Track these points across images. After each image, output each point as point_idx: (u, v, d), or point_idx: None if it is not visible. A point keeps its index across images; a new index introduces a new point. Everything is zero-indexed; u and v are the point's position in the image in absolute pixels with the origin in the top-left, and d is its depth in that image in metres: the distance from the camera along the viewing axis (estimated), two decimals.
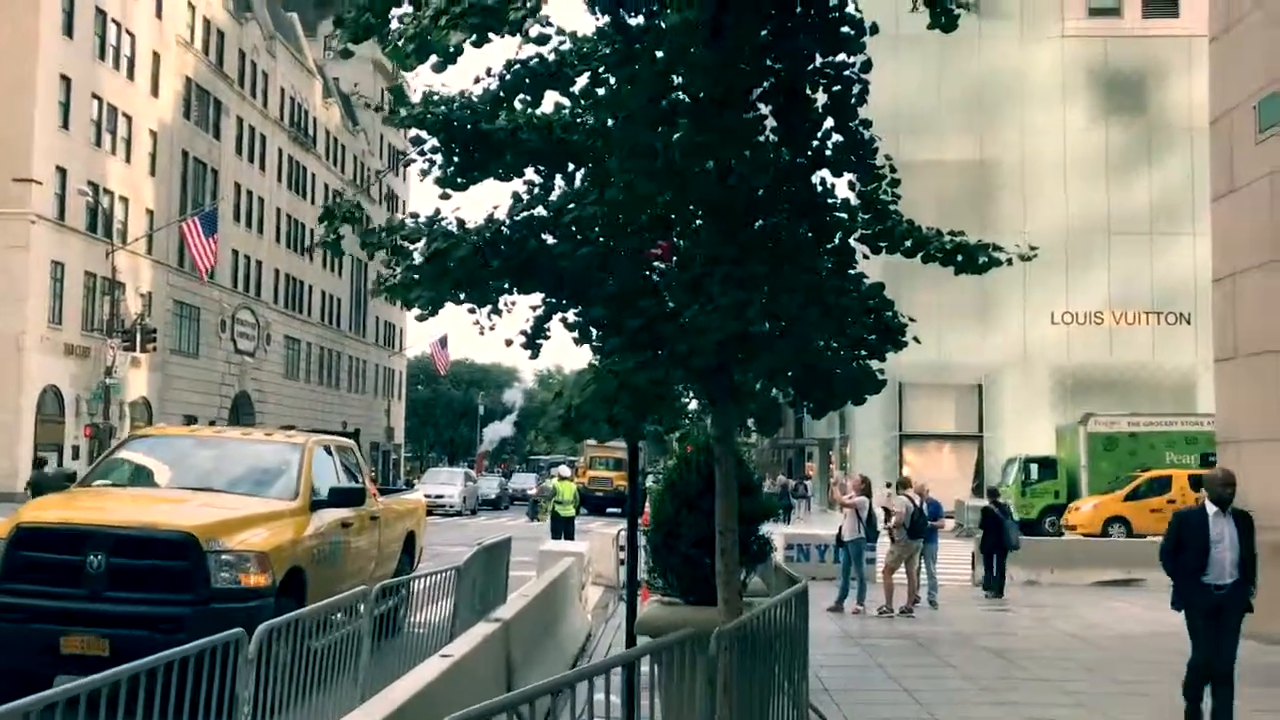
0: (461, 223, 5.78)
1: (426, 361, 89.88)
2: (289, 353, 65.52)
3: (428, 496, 45.03)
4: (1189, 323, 46.05)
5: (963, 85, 47.73)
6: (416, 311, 6.13)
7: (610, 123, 5.48)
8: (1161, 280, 46.75)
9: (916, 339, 6.37)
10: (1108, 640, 13.09)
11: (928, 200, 48.25)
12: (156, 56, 49.15)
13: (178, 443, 11.51)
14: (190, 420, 46.50)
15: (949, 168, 47.66)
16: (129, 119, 46.81)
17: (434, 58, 4.49)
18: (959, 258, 6.18)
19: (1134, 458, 35.08)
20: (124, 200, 46.51)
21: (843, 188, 6.22)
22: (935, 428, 48.57)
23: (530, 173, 6.11)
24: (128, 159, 46.86)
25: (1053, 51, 47.73)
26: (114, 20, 45.34)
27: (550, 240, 5.70)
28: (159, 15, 49.37)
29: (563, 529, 24.51)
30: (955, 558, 21.93)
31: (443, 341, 77.29)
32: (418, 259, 5.59)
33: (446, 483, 47.01)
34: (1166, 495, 31.58)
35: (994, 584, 17.72)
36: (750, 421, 6.89)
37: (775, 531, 25.06)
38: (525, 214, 5.83)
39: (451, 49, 4.40)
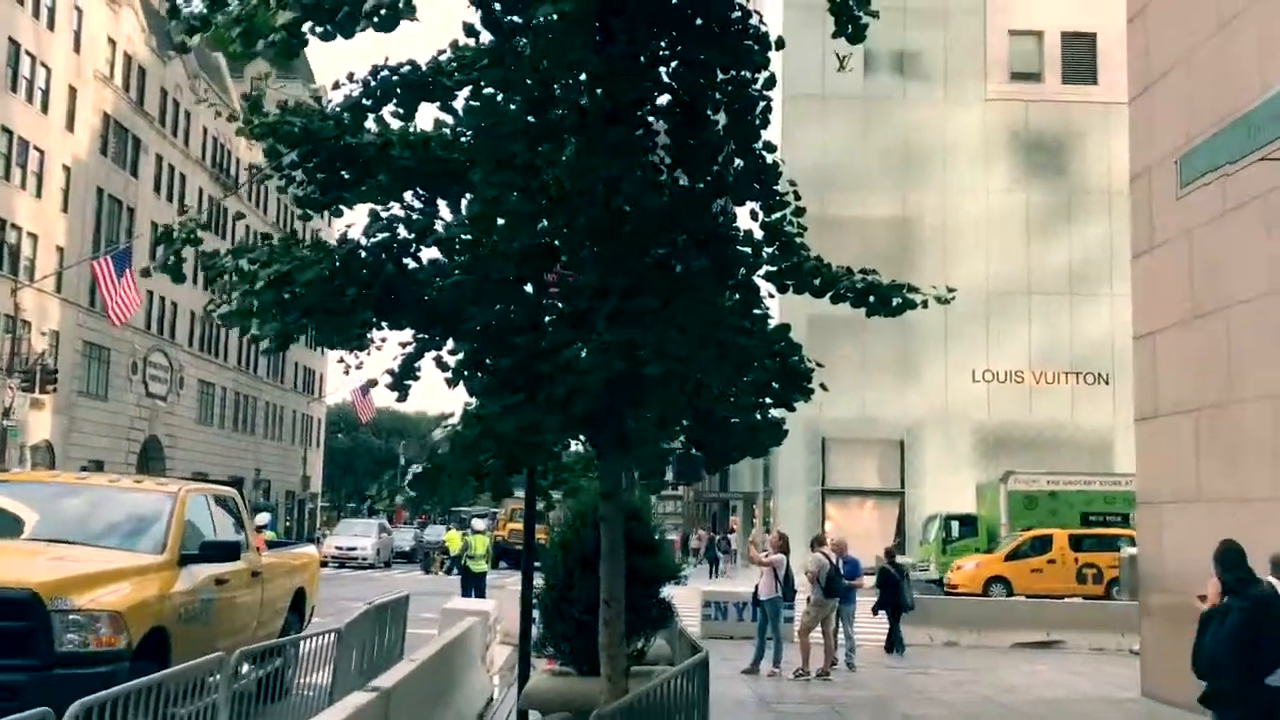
0: (320, 244, 5.16)
1: (348, 409, 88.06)
2: (202, 397, 63.67)
3: (339, 549, 44.13)
4: (1107, 383, 46.65)
5: (888, 144, 48.28)
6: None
7: (479, 131, 4.91)
8: (1080, 341, 47.40)
9: (824, 386, 5.90)
10: (1026, 705, 12.67)
11: (852, 256, 48.57)
12: (73, 91, 47.82)
13: (39, 489, 10.61)
14: (98, 465, 44.70)
15: (874, 224, 48.03)
16: (41, 153, 45.36)
17: (264, 47, 3.90)
18: (871, 298, 5.71)
19: (1054, 516, 35.23)
20: (32, 236, 44.90)
21: (745, 220, 5.72)
22: (858, 483, 48.43)
23: (410, 196, 5.52)
24: (38, 194, 45.34)
25: (975, 114, 48.53)
26: (28, 52, 44.04)
27: (413, 265, 5.10)
28: (77, 50, 48.13)
29: (473, 585, 23.65)
30: (876, 617, 21.47)
31: (365, 389, 75.59)
32: (260, 285, 4.94)
33: (360, 534, 45.57)
34: (1047, 555, 31.77)
35: (897, 644, 17.53)
36: (636, 475, 6.30)
37: (695, 588, 24.51)
38: (384, 235, 5.22)
39: (283, 35, 3.82)
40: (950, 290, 6.43)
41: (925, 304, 6.01)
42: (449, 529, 43.34)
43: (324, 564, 43.25)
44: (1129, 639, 18.43)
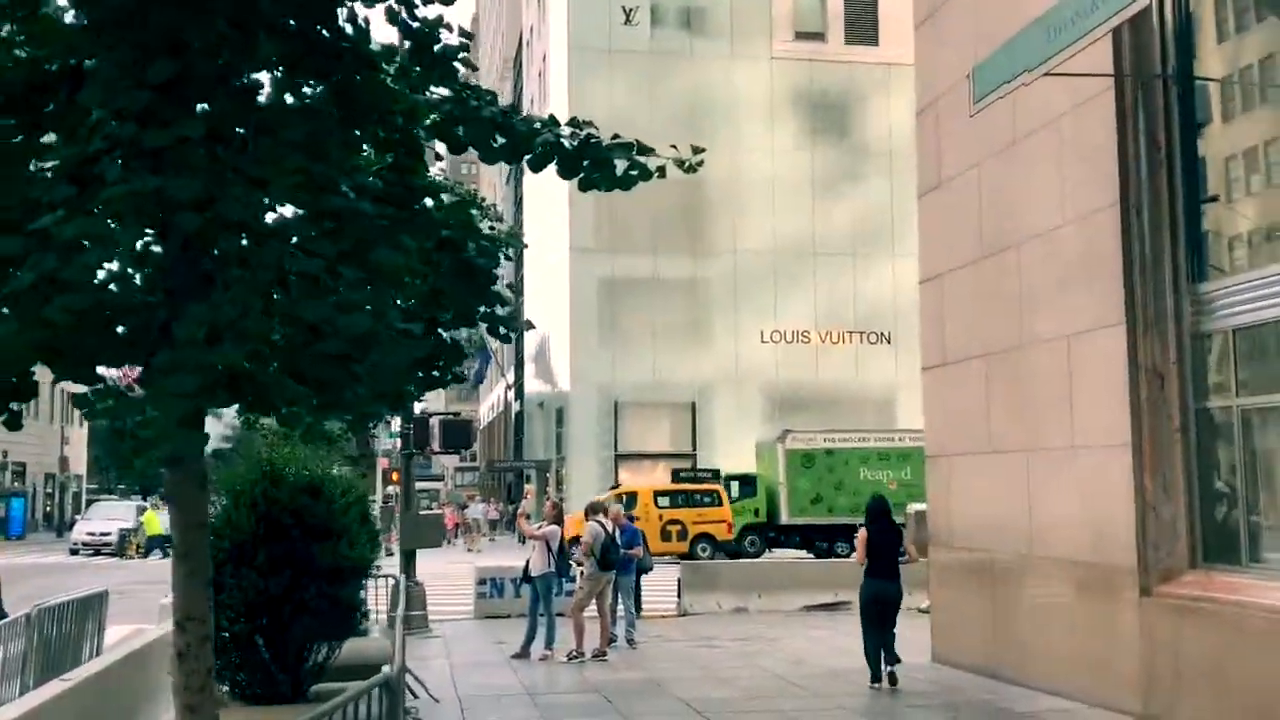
0: None
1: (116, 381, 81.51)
2: None
3: (89, 535, 40.02)
4: (889, 342, 47.43)
5: (675, 101, 47.41)
6: None
7: None
8: (864, 300, 47.99)
9: (530, 324, 4.36)
10: (814, 680, 11.68)
11: (645, 217, 47.79)
12: None
13: None
14: None
15: (662, 184, 46.68)
16: None
17: None
18: (585, 162, 4.19)
19: (831, 474, 35.37)
20: None
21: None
22: (650, 447, 47.71)
23: None
24: None
25: (762, 72, 48.24)
26: None
27: None
28: None
29: None
30: (668, 585, 20.44)
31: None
32: None
33: (114, 518, 41.41)
34: (631, 511, 32.10)
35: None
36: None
37: (466, 562, 22.91)
38: None
39: None
40: (697, 151, 4.99)
41: (663, 171, 4.54)
42: (148, 509, 39.56)
43: (73, 551, 39.59)
44: (917, 597, 17.97)
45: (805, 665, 12.71)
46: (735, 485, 37.24)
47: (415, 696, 10.70)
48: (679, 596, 18.75)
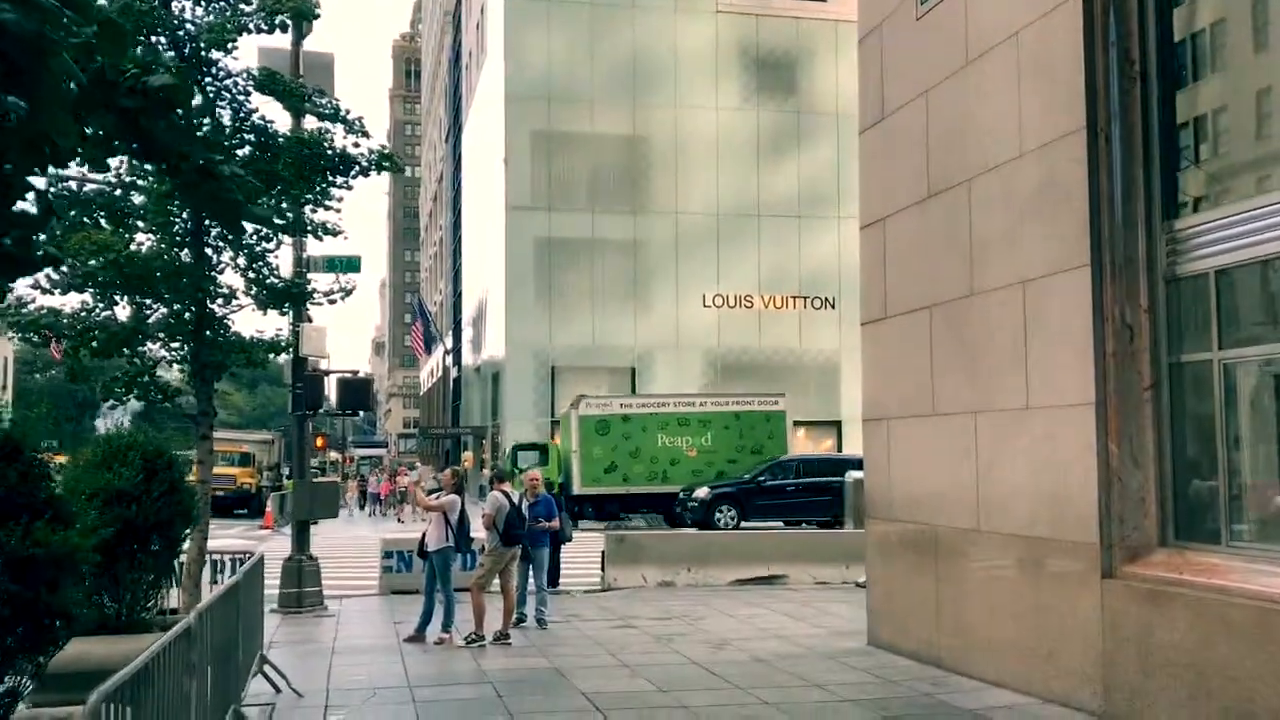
0: None
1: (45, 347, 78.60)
2: None
3: None
4: (833, 307, 46.39)
5: (616, 55, 45.79)
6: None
7: None
8: (809, 265, 46.85)
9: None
10: (736, 668, 10.41)
11: (584, 173, 46.25)
12: None
13: None
14: None
15: (603, 141, 45.65)
16: None
17: None
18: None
19: (628, 441, 34.10)
20: None
21: None
22: None
23: None
24: None
25: (706, 27, 46.69)
26: None
27: None
28: None
29: None
30: (594, 557, 19.23)
31: None
32: None
33: None
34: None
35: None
36: None
37: (375, 536, 21.49)
38: None
39: None
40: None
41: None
42: None
43: None
44: (853, 571, 16.90)
45: (727, 650, 11.46)
46: (523, 454, 35.75)
47: (277, 690, 9.33)
48: (602, 570, 17.48)
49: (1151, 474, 8.12)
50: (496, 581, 12.53)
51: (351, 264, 14.97)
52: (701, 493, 30.83)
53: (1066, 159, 8.59)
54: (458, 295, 67.94)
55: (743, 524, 29.53)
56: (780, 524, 29.94)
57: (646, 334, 45.54)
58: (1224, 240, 7.75)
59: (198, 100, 10.09)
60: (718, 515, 30.28)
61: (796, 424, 38.16)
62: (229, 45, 10.57)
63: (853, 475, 27.53)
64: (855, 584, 16.36)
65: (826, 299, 46.80)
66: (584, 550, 20.29)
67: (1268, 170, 7.92)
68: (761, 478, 31.06)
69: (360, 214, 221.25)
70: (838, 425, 45.46)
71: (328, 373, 16.18)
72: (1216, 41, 8.50)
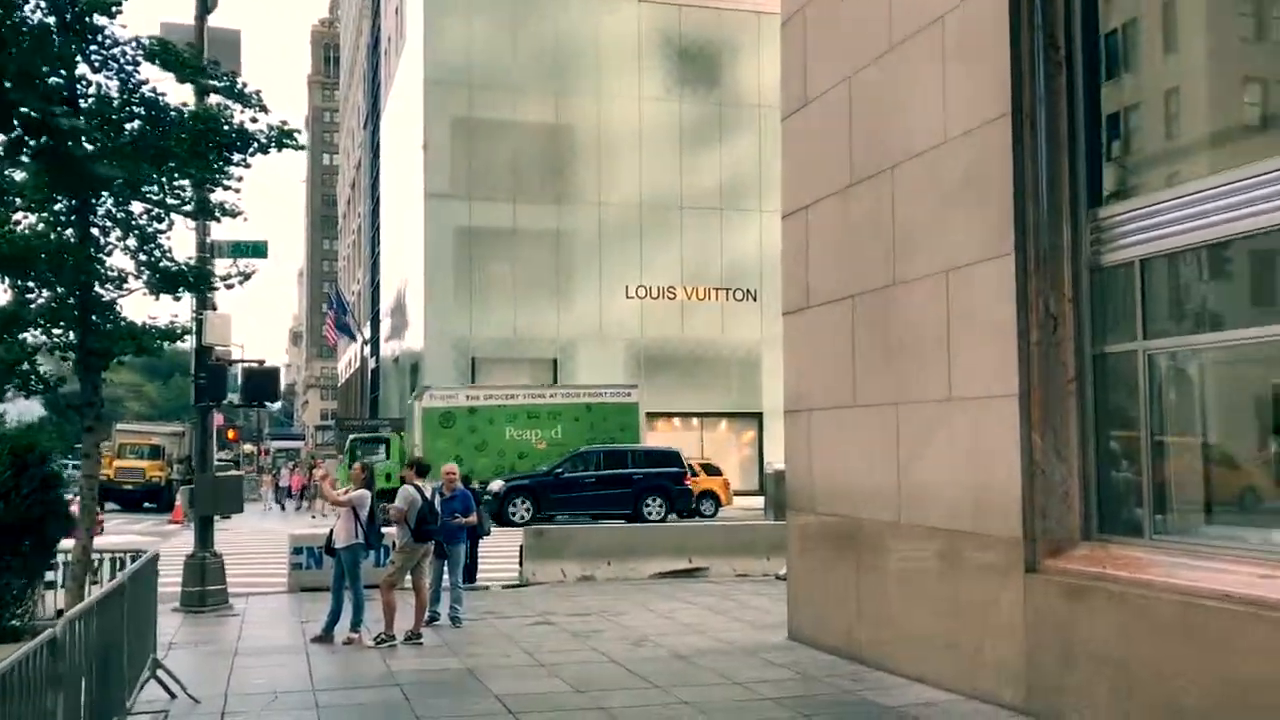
0: None
1: None
2: None
3: None
4: (755, 299, 46.44)
5: (539, 43, 45.26)
6: None
7: None
8: (731, 257, 46.85)
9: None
10: (654, 666, 10.14)
11: (501, 162, 45.58)
12: None
13: None
14: None
15: (525, 130, 45.11)
16: None
17: None
18: None
19: (474, 433, 33.72)
20: None
21: None
22: None
23: None
24: None
25: (629, 16, 46.38)
26: None
27: None
28: None
29: None
30: (512, 551, 18.87)
31: None
32: None
33: None
34: None
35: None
36: None
37: (286, 531, 20.86)
38: None
39: None
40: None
41: None
42: None
43: None
44: (775, 563, 16.77)
45: (647, 646, 11.18)
46: (363, 447, 34.99)
47: (171, 696, 8.83)
48: (520, 564, 17.11)
49: (1075, 466, 8.01)
50: (410, 579, 12.10)
51: (258, 249, 14.36)
52: (495, 486, 30.32)
53: (991, 146, 8.43)
54: (376, 285, 66.80)
55: (538, 518, 28.91)
56: (588, 518, 29.52)
57: (569, 325, 45.18)
58: (1147, 230, 7.64)
59: (84, 71, 9.48)
60: (511, 509, 29.71)
61: (650, 416, 37.87)
62: (113, 10, 9.91)
63: (775, 466, 27.53)
64: (776, 576, 16.22)
65: (749, 291, 46.86)
66: (503, 545, 19.92)
67: (1185, 162, 7.84)
68: (560, 470, 30.30)
69: (278, 201, 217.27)
70: (759, 417, 45.57)
71: (232, 363, 15.55)
72: (1137, 31, 8.40)
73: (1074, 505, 8.00)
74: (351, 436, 37.61)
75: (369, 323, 68.91)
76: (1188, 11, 8.10)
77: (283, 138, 10.84)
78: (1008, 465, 8.13)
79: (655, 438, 45.77)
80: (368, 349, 68.88)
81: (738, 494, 38.19)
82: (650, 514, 30.41)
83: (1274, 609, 6.09)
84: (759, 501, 34.99)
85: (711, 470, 35.05)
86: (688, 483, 31.80)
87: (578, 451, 31.85)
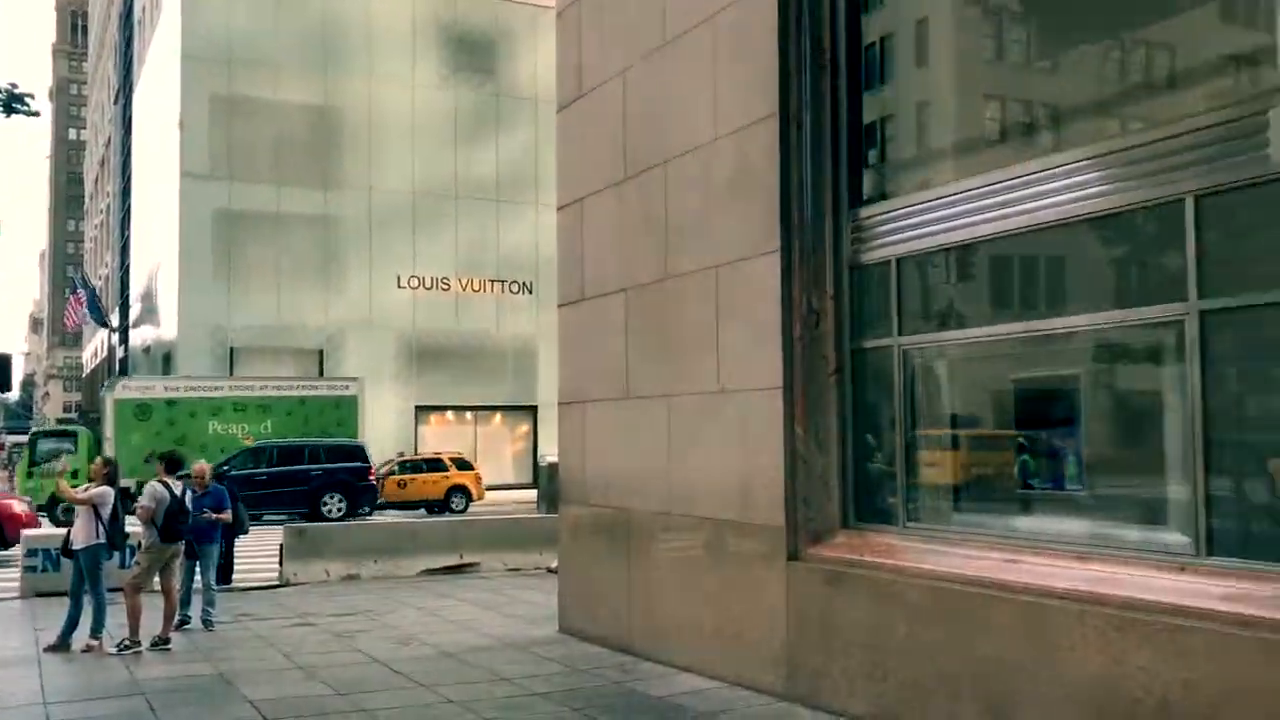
0: None
1: None
2: None
3: None
4: (531, 292, 46.32)
5: (305, 21, 43.58)
6: None
7: None
8: (507, 249, 46.53)
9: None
10: (420, 665, 9.89)
11: (263, 142, 43.62)
12: None
13: None
14: None
15: (290, 110, 43.32)
16: None
17: None
18: None
19: (173, 427, 32.09)
20: None
21: None
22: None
23: None
24: None
25: None
26: None
27: None
28: None
29: None
30: (269, 549, 18.06)
31: None
32: None
33: None
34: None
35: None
36: None
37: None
38: None
39: None
40: None
41: None
42: None
43: None
44: (548, 556, 16.72)
45: (413, 645, 10.90)
46: (46, 442, 32.04)
47: None
48: (280, 565, 16.40)
49: (835, 457, 8.29)
50: (158, 581, 11.36)
51: None
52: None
53: (760, 145, 8.62)
54: (126, 269, 62.77)
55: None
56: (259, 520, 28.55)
57: (338, 314, 43.71)
58: (902, 231, 7.99)
59: None
60: None
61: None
62: None
63: (548, 459, 27.52)
64: (548, 569, 16.18)
65: (524, 284, 46.67)
66: (268, 543, 19.08)
67: (935, 168, 8.25)
68: (225, 467, 28.21)
69: (18, 177, 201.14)
70: (534, 411, 45.49)
71: None
72: (894, 45, 8.77)
73: (834, 495, 8.28)
74: (33, 430, 34.54)
75: (118, 309, 64.73)
76: (937, 31, 8.54)
77: (12, 101, 9.91)
78: (772, 456, 8.33)
79: (428, 432, 45.01)
80: (115, 337, 64.69)
81: (512, 488, 37.97)
82: (330, 512, 29.26)
83: (1015, 592, 6.46)
84: (533, 495, 34.94)
85: (463, 464, 34.40)
86: (372, 478, 30.73)
87: (250, 447, 30.41)
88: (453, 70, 46.22)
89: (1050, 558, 6.61)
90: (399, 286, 45.18)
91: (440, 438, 43.98)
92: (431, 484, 32.68)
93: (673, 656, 9.40)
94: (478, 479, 34.12)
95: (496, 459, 45.04)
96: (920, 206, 7.87)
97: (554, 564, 14.08)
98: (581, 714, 8.00)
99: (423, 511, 30.51)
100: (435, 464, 33.62)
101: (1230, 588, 5.52)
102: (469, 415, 46.04)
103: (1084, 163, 6.62)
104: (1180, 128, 6.08)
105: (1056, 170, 6.79)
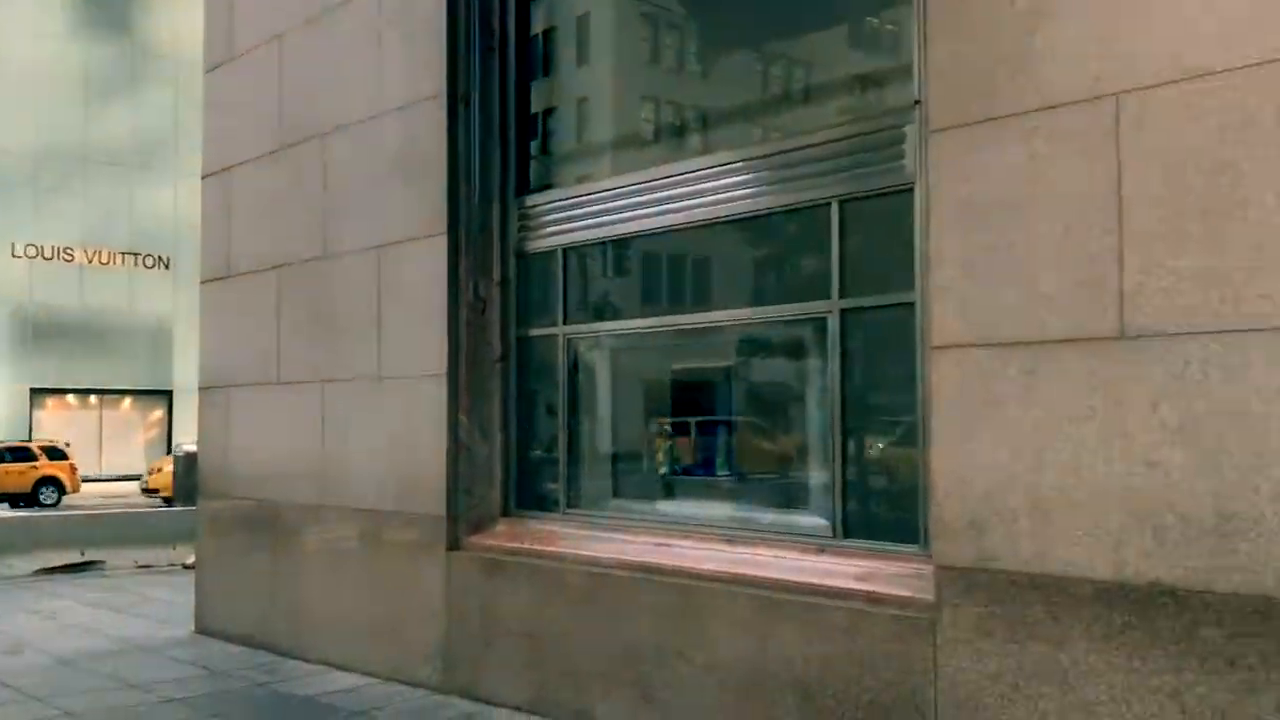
0: None
1: None
2: None
3: None
4: (168, 267, 43.26)
5: None
6: None
7: None
8: (142, 220, 43.18)
9: None
10: (32, 676, 8.89)
11: None
12: None
13: None
14: None
15: None
16: None
17: None
18: None
19: None
20: None
21: None
22: None
23: None
24: None
25: None
26: None
27: None
28: None
29: None
30: None
31: None
32: None
33: None
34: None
35: None
36: None
37: None
38: None
39: None
40: None
41: None
42: None
43: None
44: (182, 552, 15.61)
45: (26, 654, 9.79)
46: None
47: None
48: None
49: (498, 445, 8.22)
50: None
51: None
52: None
53: (427, 124, 8.37)
54: None
55: None
56: None
57: None
58: (566, 221, 8.03)
59: None
60: None
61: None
62: None
63: (184, 448, 25.78)
64: (184, 565, 15.13)
65: (161, 258, 43.55)
66: None
67: (595, 163, 8.40)
68: None
69: None
70: (169, 395, 42.54)
71: None
72: (557, 39, 8.81)
73: (497, 483, 8.21)
74: None
75: None
76: (598, 31, 8.67)
77: None
78: (434, 444, 8.14)
79: (46, 418, 40.92)
80: None
81: (137, 477, 35.17)
82: None
83: (667, 574, 6.65)
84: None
85: (55, 454, 31.54)
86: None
87: None
88: (84, 22, 42.32)
89: (700, 541, 6.85)
90: (14, 255, 40.95)
91: (60, 424, 40.23)
92: (17, 475, 29.69)
93: (325, 655, 8.99)
94: (73, 469, 31.33)
95: (125, 447, 41.83)
96: (584, 198, 7.94)
97: (191, 560, 13.16)
98: (220, 719, 7.48)
99: (5, 506, 27.59)
100: (22, 453, 30.59)
101: (862, 567, 5.94)
102: (93, 400, 42.41)
103: (735, 165, 6.92)
104: (826, 136, 6.46)
105: (707, 171, 7.06)
